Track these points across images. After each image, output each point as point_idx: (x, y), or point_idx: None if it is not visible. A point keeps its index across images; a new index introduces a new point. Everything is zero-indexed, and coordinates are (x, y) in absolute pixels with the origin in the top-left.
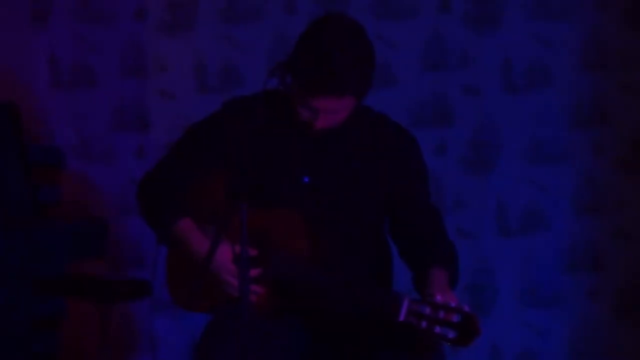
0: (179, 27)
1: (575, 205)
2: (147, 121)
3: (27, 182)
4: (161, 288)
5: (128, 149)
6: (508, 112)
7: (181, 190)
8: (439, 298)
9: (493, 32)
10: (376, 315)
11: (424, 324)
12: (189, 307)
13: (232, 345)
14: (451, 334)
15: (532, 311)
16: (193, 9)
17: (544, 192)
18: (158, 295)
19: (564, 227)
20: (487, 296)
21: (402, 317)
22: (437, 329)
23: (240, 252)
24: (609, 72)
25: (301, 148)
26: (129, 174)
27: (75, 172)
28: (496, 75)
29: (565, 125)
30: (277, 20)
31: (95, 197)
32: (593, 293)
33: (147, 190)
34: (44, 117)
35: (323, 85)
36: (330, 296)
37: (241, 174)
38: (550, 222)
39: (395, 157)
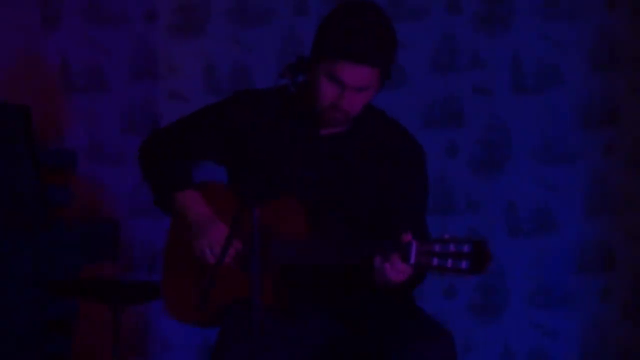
0: (189, 30)
1: (585, 205)
2: (157, 123)
3: (39, 184)
4: None
5: None
6: (518, 113)
7: (186, 159)
8: (446, 235)
9: (503, 33)
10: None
11: (435, 261)
12: (183, 318)
13: (247, 345)
14: (464, 264)
15: (543, 311)
16: (203, 12)
17: (554, 192)
18: None
19: (574, 227)
20: (498, 297)
21: (412, 260)
22: (450, 263)
23: (251, 255)
24: (618, 72)
25: (308, 145)
26: (140, 176)
27: (87, 174)
28: (506, 75)
29: (575, 126)
30: (287, 21)
31: (107, 198)
32: (603, 293)
33: (155, 151)
34: (55, 120)
35: (356, 50)
36: (337, 259)
37: (253, 177)
38: (561, 222)
39: (398, 165)
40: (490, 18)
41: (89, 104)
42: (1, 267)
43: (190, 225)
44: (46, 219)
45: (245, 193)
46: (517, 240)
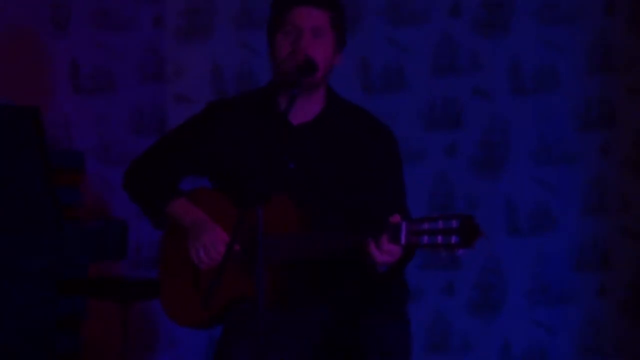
0: (196, 34)
1: (583, 205)
2: (165, 125)
3: (49, 184)
4: None
5: None
6: (517, 114)
7: (171, 176)
8: (434, 213)
9: (502, 36)
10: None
11: (425, 238)
12: (183, 322)
13: (251, 342)
14: (454, 239)
15: (542, 309)
16: (210, 16)
17: (553, 192)
18: None
19: (572, 226)
20: (497, 294)
21: (403, 240)
22: (440, 239)
23: (258, 254)
24: (615, 75)
25: (282, 138)
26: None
27: (96, 174)
28: (505, 78)
29: (573, 127)
30: None
31: (115, 199)
32: (600, 290)
33: (139, 174)
34: (65, 121)
35: None
36: (331, 248)
37: (253, 180)
38: (559, 221)
39: (368, 148)
40: (489, 22)
41: (98, 106)
42: (12, 266)
43: (186, 231)
44: (56, 219)
45: (246, 194)
46: (515, 239)
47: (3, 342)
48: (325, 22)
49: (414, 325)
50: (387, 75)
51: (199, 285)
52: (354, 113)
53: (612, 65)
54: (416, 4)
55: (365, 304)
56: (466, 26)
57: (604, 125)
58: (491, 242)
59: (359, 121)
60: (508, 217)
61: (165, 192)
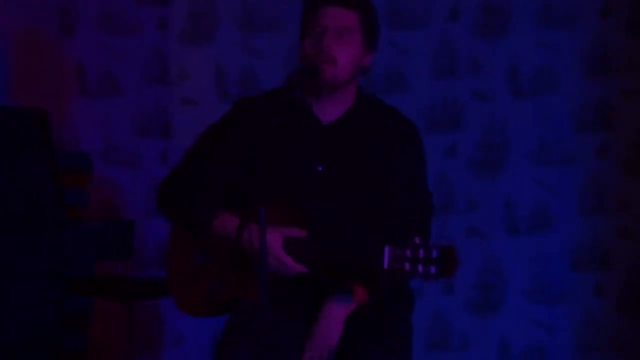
0: (200, 37)
1: (580, 205)
2: (169, 127)
3: (56, 185)
4: None
5: (152, 154)
6: (515, 116)
7: (207, 188)
8: (417, 239)
9: (500, 40)
10: (364, 266)
11: (407, 266)
12: (194, 312)
13: (251, 342)
14: (433, 269)
15: (540, 307)
16: (213, 19)
17: (551, 192)
18: None
19: (570, 226)
20: (496, 294)
21: (386, 265)
22: (420, 268)
23: (259, 254)
24: (612, 77)
25: (313, 139)
26: (153, 178)
27: (102, 176)
28: (504, 80)
29: (571, 129)
30: (294, 29)
31: (121, 199)
32: (598, 290)
33: (175, 194)
34: (71, 124)
35: None
36: (320, 258)
37: (258, 179)
38: (557, 221)
39: (399, 148)
40: (488, 25)
41: (104, 108)
42: (20, 266)
43: (244, 248)
44: (63, 219)
45: (254, 194)
46: (514, 238)
47: (8, 341)
48: (353, 22)
49: (414, 324)
50: (388, 77)
51: (205, 279)
52: (380, 111)
53: (610, 67)
54: (416, 7)
55: (366, 306)
56: (465, 29)
57: (602, 126)
58: (490, 242)
59: (384, 120)
60: (507, 217)
61: (206, 210)
